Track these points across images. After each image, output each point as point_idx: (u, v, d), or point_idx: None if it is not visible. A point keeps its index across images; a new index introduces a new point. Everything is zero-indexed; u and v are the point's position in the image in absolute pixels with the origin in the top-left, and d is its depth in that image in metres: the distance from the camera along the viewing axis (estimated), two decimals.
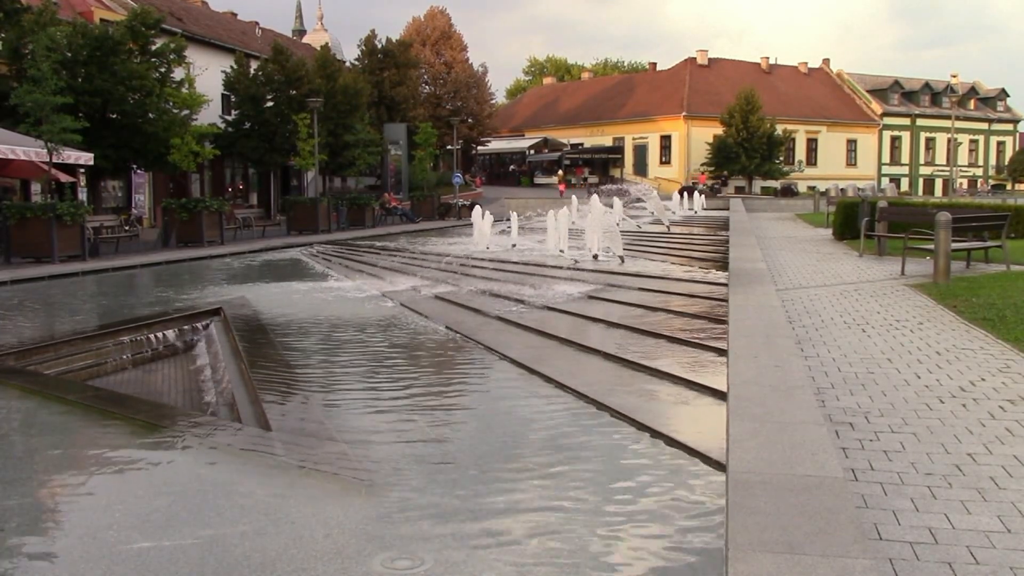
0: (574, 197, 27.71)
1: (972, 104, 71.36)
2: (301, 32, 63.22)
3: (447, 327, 9.66)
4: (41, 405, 6.95)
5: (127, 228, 23.95)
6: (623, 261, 15.51)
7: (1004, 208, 17.98)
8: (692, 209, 36.85)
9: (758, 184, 56.07)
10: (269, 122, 31.99)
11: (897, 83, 68.58)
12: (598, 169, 60.42)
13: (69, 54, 21.58)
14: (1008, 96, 73.86)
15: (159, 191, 31.44)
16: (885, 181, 61.64)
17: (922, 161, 68.86)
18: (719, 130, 54.43)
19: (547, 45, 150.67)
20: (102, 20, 27.00)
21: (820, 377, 6.25)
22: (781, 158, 56.44)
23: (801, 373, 5.97)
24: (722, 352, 7.38)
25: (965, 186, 65.03)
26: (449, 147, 46.82)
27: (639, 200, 32.43)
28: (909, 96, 68.86)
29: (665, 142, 60.25)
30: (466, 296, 11.98)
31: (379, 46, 43.79)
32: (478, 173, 58.72)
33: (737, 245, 16.72)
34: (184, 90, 24.05)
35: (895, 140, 68.18)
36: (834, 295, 10.50)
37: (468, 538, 4.02)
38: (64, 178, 22.66)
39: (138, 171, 28.52)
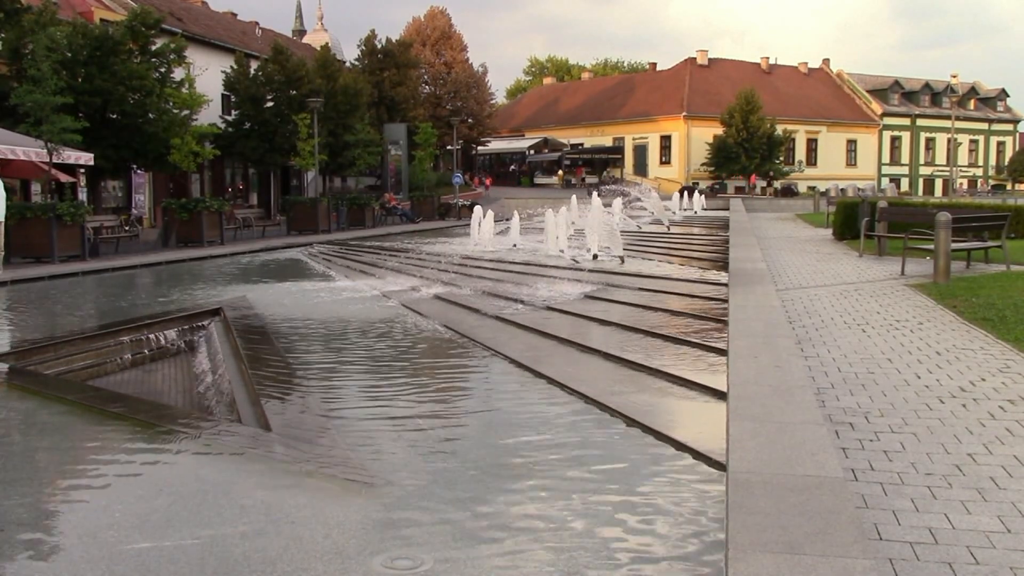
0: (574, 196, 27.72)
1: (972, 104, 71.38)
2: (301, 32, 63.25)
3: (447, 327, 9.66)
4: (41, 405, 6.95)
5: (127, 228, 23.96)
6: (623, 261, 15.51)
7: (1004, 208, 17.98)
8: (692, 209, 36.85)
9: (758, 184, 56.05)
10: (269, 122, 31.99)
11: (897, 83, 68.60)
12: (598, 169, 60.43)
13: (69, 54, 21.57)
14: (1008, 96, 73.89)
15: (159, 191, 31.45)
16: (885, 181, 61.67)
17: (922, 161, 68.88)
18: (719, 130, 54.44)
19: (547, 45, 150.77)
20: (102, 20, 27.01)
21: (820, 377, 6.25)
22: (781, 158, 56.44)
23: (801, 373, 5.97)
24: (722, 352, 7.38)
25: (965, 186, 65.03)
26: (449, 147, 46.86)
27: (638, 199, 32.44)
28: (909, 96, 68.88)
29: (665, 142, 60.26)
30: (466, 296, 11.98)
31: (379, 46, 43.81)
32: (479, 174, 58.76)
33: (737, 245, 16.72)
34: (184, 90, 24.03)
35: (895, 140, 68.19)
36: (834, 295, 10.49)
37: (468, 538, 4.02)
38: (64, 178, 22.66)
39: (138, 171, 28.52)
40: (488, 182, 53.82)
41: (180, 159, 22.98)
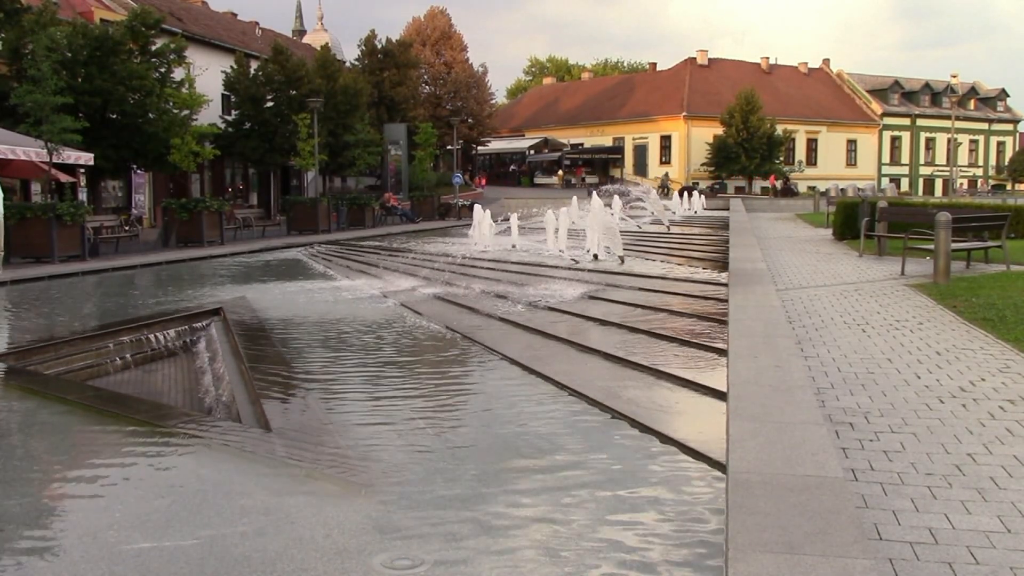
0: (574, 197, 27.73)
1: (972, 104, 71.34)
2: (301, 32, 63.22)
3: (447, 327, 9.66)
4: (41, 405, 6.95)
5: (127, 228, 23.97)
6: (623, 261, 15.52)
7: (1004, 208, 17.97)
8: (692, 209, 36.87)
9: (758, 184, 56.10)
10: (269, 122, 31.98)
11: (897, 83, 68.58)
12: (598, 169, 60.41)
13: (69, 54, 21.56)
14: (1008, 96, 73.85)
15: (159, 191, 31.44)
16: (885, 181, 61.62)
17: (922, 161, 68.85)
18: (719, 130, 54.44)
19: (548, 45, 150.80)
20: (102, 20, 27.00)
21: (820, 377, 6.25)
22: (781, 158, 56.44)
23: (801, 373, 5.97)
24: (722, 352, 7.38)
25: (965, 186, 65.00)
26: (449, 147, 46.84)
27: (638, 199, 32.48)
28: (909, 96, 68.86)
29: (665, 142, 60.23)
30: (466, 296, 11.98)
31: (379, 46, 43.79)
32: (477, 174, 58.75)
33: (737, 245, 16.72)
34: (184, 90, 24.03)
35: (895, 140, 68.17)
36: (834, 295, 10.49)
37: (468, 538, 4.02)
38: (64, 178, 22.65)
39: (138, 171, 28.52)
40: (483, 182, 53.82)
41: (180, 159, 22.98)
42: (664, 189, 50.95)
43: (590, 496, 4.52)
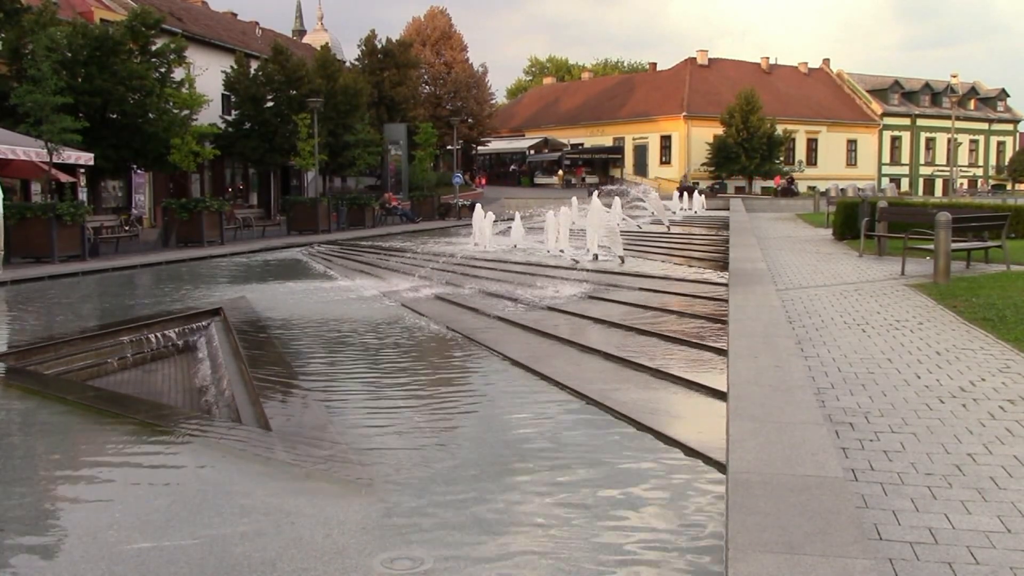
0: (574, 197, 27.74)
1: (972, 104, 71.34)
2: (301, 32, 63.22)
3: (447, 327, 9.66)
4: (41, 405, 6.95)
5: (127, 228, 23.97)
6: (623, 261, 15.52)
7: (1004, 208, 17.97)
8: (692, 209, 36.86)
9: (758, 184, 56.09)
10: (269, 122, 31.98)
11: (897, 83, 68.58)
12: (598, 169, 60.41)
13: (69, 54, 21.56)
14: (1008, 96, 73.84)
15: (159, 191, 31.44)
16: (885, 181, 61.60)
17: (922, 161, 68.85)
18: (719, 130, 54.45)
19: (548, 45, 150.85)
20: (102, 20, 26.99)
21: (820, 377, 6.25)
22: (781, 158, 56.44)
23: (801, 373, 5.97)
24: (722, 352, 7.38)
25: (965, 186, 64.99)
26: (449, 147, 46.85)
27: (639, 199, 32.47)
28: (909, 96, 68.86)
29: (665, 142, 60.24)
30: (466, 296, 11.98)
31: (379, 46, 43.80)
32: (477, 174, 58.73)
33: (737, 245, 16.72)
34: (184, 90, 24.03)
35: (895, 140, 68.17)
36: (834, 295, 10.49)
37: (468, 538, 4.02)
38: (64, 178, 22.65)
39: (138, 171, 28.52)
40: (483, 182, 53.85)
41: (180, 159, 22.98)
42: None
43: (589, 495, 4.52)
